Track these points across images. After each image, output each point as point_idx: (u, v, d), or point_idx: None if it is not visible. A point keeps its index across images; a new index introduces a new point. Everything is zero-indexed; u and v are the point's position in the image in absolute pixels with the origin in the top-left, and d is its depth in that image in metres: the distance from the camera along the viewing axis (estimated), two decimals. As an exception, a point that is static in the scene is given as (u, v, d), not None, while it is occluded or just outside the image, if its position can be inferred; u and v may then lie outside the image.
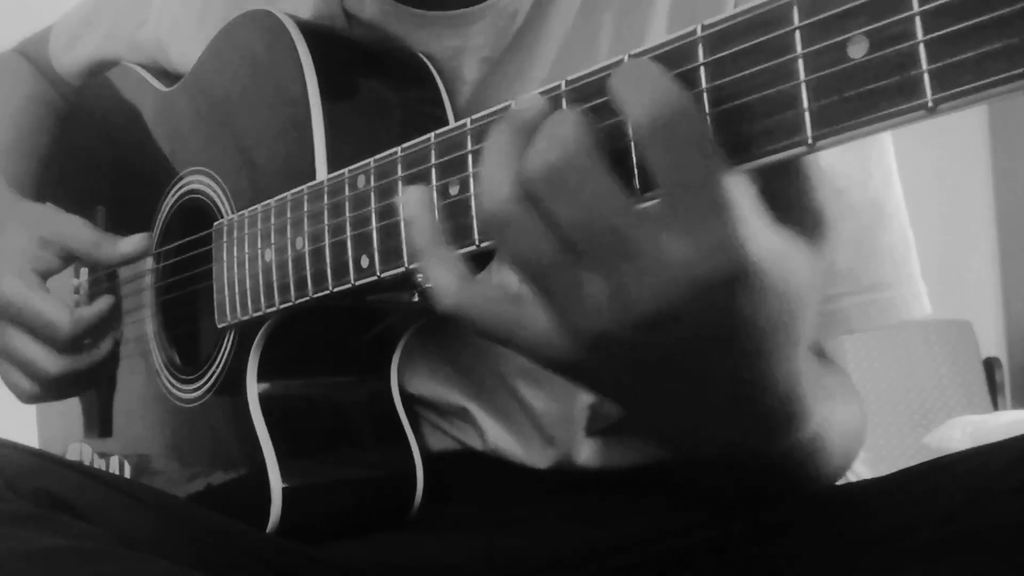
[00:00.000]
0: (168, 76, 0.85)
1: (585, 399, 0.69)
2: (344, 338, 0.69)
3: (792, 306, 0.42)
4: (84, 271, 0.88)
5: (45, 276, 0.79)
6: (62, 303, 0.78)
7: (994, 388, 2.99)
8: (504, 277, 0.45)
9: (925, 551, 0.51)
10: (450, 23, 0.68)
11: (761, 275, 0.39)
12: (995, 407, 2.96)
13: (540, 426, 0.71)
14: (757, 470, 0.56)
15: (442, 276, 0.45)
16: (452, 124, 0.51)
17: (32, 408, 0.91)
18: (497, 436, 0.72)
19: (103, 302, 0.79)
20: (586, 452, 0.71)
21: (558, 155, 0.39)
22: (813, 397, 0.50)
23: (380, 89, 0.68)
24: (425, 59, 0.69)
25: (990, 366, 3.02)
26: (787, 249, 0.41)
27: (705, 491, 0.69)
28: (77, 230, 0.80)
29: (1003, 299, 3.24)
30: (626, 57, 0.42)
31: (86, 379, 0.82)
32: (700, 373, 0.44)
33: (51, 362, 0.78)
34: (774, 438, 0.50)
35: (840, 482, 0.67)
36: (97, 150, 0.92)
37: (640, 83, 0.39)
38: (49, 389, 0.80)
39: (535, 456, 0.72)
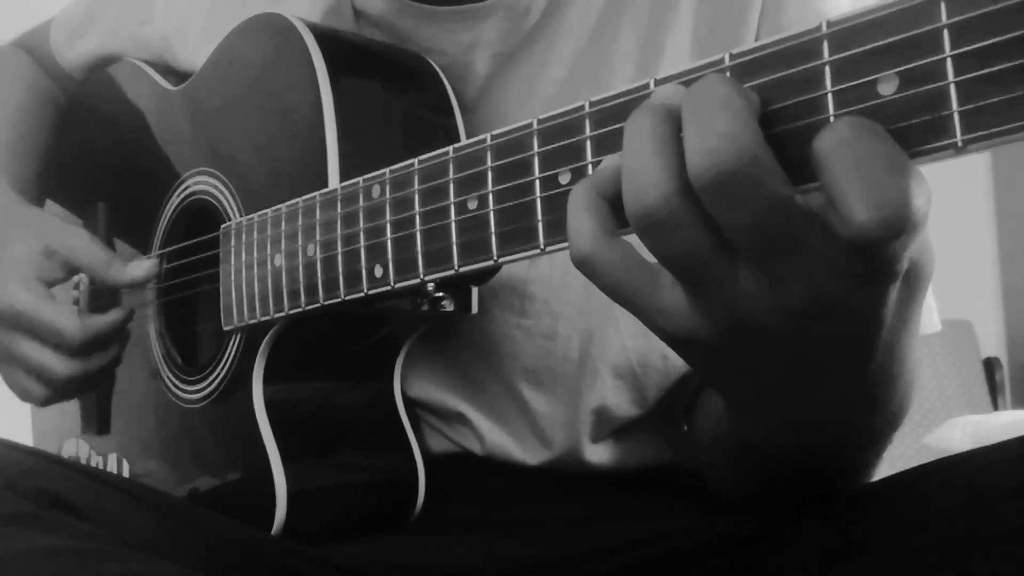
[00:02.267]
0: (174, 74, 0.84)
1: (590, 403, 0.69)
2: (349, 343, 0.69)
3: (924, 288, 0.43)
4: None
5: (50, 285, 0.79)
6: (70, 310, 0.77)
7: (994, 388, 2.99)
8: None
9: (925, 551, 0.51)
10: (461, 18, 0.68)
11: (917, 266, 0.41)
12: (995, 407, 2.96)
13: (540, 429, 0.71)
14: (829, 466, 0.57)
15: (584, 221, 0.40)
16: (462, 130, 0.51)
17: (26, 403, 0.91)
18: (495, 440, 0.72)
19: (117, 312, 0.79)
20: (596, 453, 0.71)
21: (730, 157, 0.35)
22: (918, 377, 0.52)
23: (391, 96, 0.68)
24: (433, 63, 0.69)
25: (990, 366, 3.02)
26: (925, 237, 0.41)
27: (714, 492, 0.69)
28: (85, 245, 0.78)
29: (1003, 299, 3.24)
30: (652, 82, 0.41)
31: (95, 380, 0.82)
32: (841, 364, 0.44)
33: (61, 365, 0.77)
34: (891, 429, 0.52)
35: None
36: (99, 146, 0.92)
37: (707, 122, 0.36)
38: (59, 391, 0.80)
39: (530, 456, 0.72)
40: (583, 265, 0.41)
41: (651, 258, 0.40)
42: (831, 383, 0.45)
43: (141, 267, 0.77)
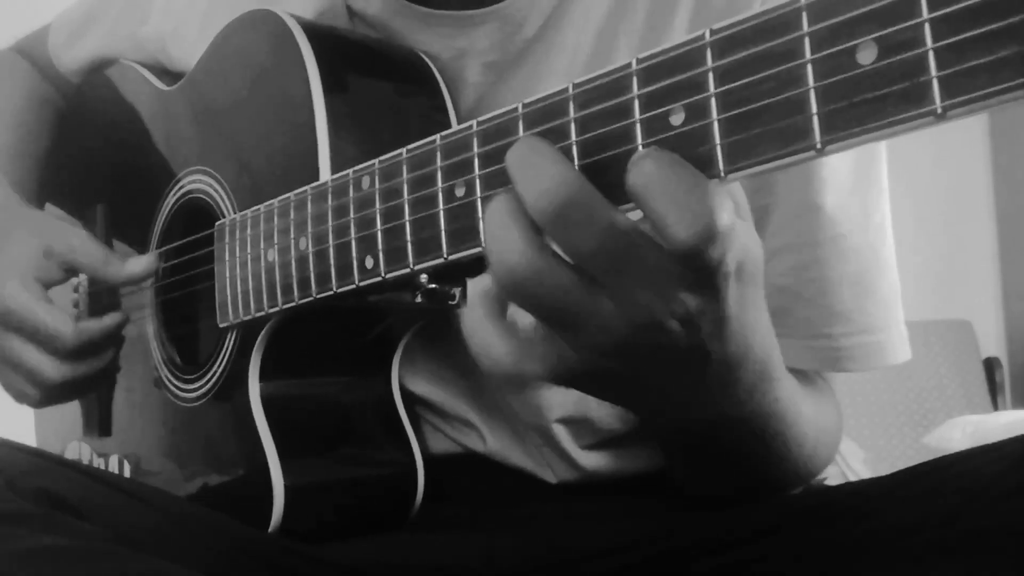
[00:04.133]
0: (169, 75, 0.84)
1: (554, 414, 0.70)
2: (346, 338, 0.69)
3: (757, 282, 0.47)
4: None
5: (48, 286, 0.79)
6: (65, 313, 0.77)
7: (994, 388, 2.99)
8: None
9: (925, 551, 0.51)
10: (454, 23, 0.68)
11: (742, 264, 0.44)
12: (995, 407, 2.96)
13: (524, 431, 0.71)
14: (738, 452, 0.60)
15: (487, 328, 0.47)
16: (456, 126, 0.51)
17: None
18: (497, 440, 0.72)
19: (112, 318, 0.79)
20: (591, 459, 0.72)
21: (561, 189, 0.41)
22: (779, 362, 0.56)
23: (383, 90, 0.68)
24: (428, 60, 0.69)
25: (990, 366, 3.02)
26: (751, 237, 0.46)
27: (697, 496, 0.69)
28: (84, 244, 0.79)
29: (1003, 299, 3.24)
30: (634, 62, 0.42)
31: (89, 383, 0.82)
32: (702, 355, 0.47)
33: (54, 369, 0.77)
34: (751, 398, 0.54)
35: (840, 482, 0.67)
36: (97, 149, 0.92)
37: (534, 169, 0.42)
38: (53, 394, 0.80)
39: (538, 465, 0.72)
40: (493, 365, 0.47)
41: None
42: (701, 374, 0.49)
43: (139, 263, 0.77)
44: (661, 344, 0.45)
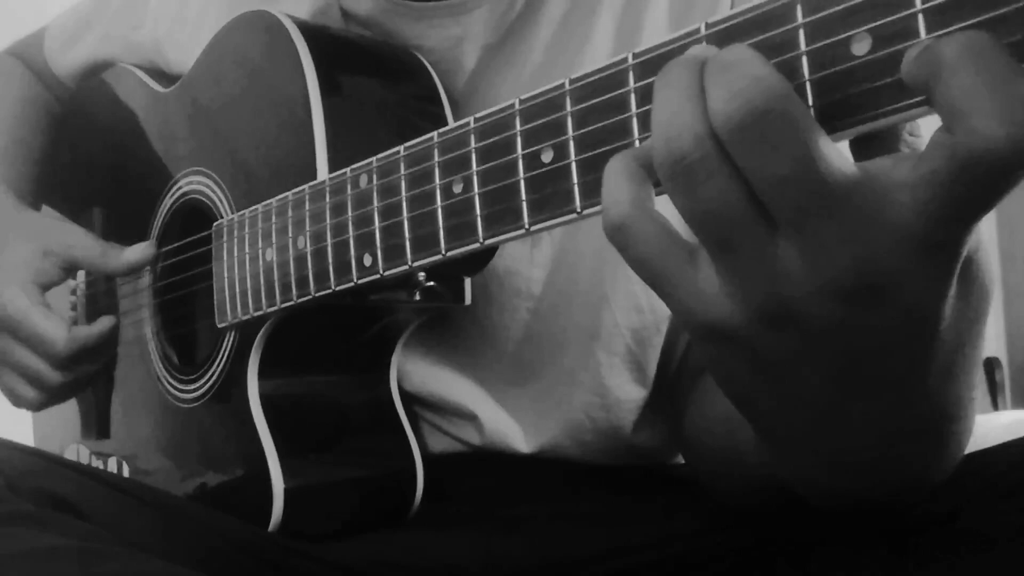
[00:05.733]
0: (165, 77, 0.85)
1: (588, 385, 0.69)
2: (344, 337, 0.69)
3: (983, 303, 0.39)
4: (81, 272, 0.88)
5: (46, 288, 0.80)
6: (60, 319, 0.78)
7: (994, 388, 2.98)
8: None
9: (925, 551, 0.51)
10: (449, 12, 0.69)
11: (975, 265, 0.37)
12: (995, 407, 2.95)
13: (548, 406, 0.71)
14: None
15: (623, 187, 0.37)
16: (451, 121, 0.52)
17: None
18: (496, 428, 0.71)
19: (103, 323, 0.80)
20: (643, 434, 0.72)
21: (761, 95, 0.33)
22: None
23: (379, 88, 0.68)
24: (421, 57, 0.70)
25: (990, 366, 3.01)
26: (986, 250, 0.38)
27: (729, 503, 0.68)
28: (81, 240, 0.80)
29: (1003, 299, 3.24)
30: (630, 56, 0.42)
31: (86, 384, 0.82)
32: (893, 376, 0.38)
33: (50, 374, 0.78)
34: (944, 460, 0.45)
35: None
36: (94, 152, 0.92)
37: (731, 68, 0.34)
38: (50, 397, 0.81)
39: (532, 439, 0.72)
40: (618, 233, 0.37)
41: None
42: (878, 400, 0.39)
43: (137, 251, 0.78)
44: (845, 331, 0.36)
